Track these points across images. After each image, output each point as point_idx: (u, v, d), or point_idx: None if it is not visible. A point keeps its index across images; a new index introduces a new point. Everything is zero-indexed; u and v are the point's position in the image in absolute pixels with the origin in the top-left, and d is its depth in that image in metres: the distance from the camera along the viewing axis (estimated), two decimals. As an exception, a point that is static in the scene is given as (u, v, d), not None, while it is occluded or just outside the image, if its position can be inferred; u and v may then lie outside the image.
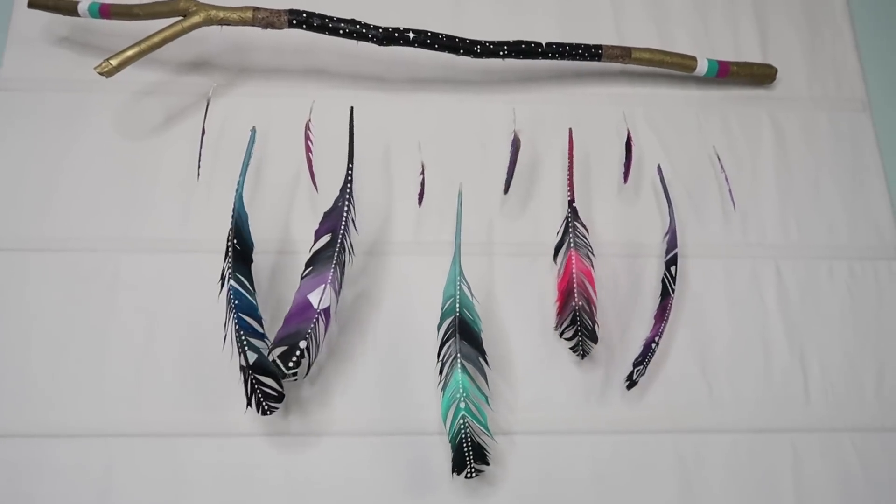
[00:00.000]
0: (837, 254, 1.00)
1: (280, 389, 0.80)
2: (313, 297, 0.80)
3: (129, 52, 0.90)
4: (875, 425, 0.91)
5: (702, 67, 1.05)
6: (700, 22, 1.12)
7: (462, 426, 0.80)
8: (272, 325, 0.87)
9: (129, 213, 0.96)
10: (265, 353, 0.80)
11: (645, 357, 0.87)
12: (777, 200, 1.02)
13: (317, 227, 0.85)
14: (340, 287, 0.85)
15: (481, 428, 0.81)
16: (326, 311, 0.81)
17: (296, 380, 0.81)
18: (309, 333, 0.79)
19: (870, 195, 1.03)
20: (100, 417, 0.86)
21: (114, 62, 0.89)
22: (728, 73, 1.06)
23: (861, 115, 1.08)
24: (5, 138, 0.98)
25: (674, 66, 1.05)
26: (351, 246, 0.86)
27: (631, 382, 0.87)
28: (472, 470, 0.80)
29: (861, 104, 1.09)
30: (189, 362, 0.89)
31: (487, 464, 0.81)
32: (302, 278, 0.82)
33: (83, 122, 1.00)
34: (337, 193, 0.94)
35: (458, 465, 0.80)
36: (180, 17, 0.94)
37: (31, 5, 1.01)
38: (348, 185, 0.88)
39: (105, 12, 0.97)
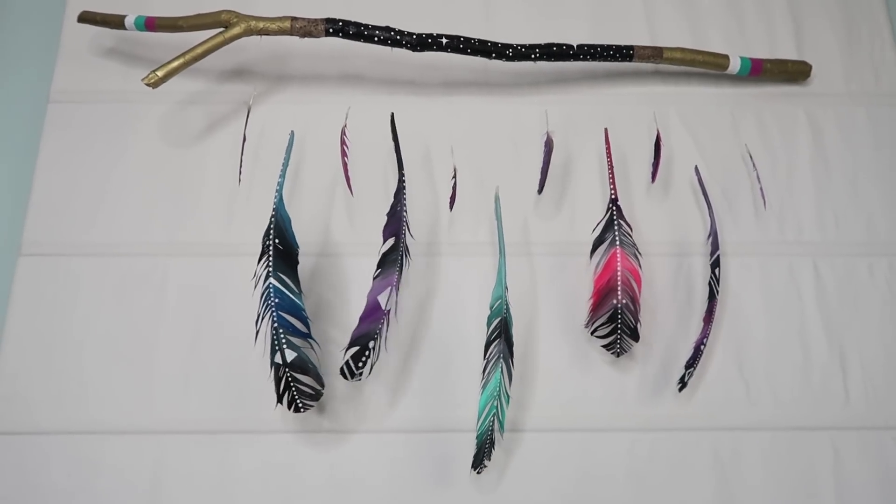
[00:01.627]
0: (876, 251, 0.99)
1: (318, 388, 0.82)
2: (382, 299, 0.82)
3: (174, 64, 0.93)
4: (917, 423, 0.90)
5: (734, 66, 1.04)
6: (733, 20, 1.12)
7: (490, 424, 0.81)
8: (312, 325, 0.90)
9: (175, 219, 0.99)
10: (306, 352, 0.83)
11: (695, 359, 0.87)
12: (814, 197, 1.01)
13: (382, 227, 0.87)
14: (399, 290, 0.88)
15: (499, 426, 0.82)
16: (388, 313, 0.84)
17: (360, 380, 0.83)
18: (377, 334, 0.81)
19: (910, 190, 1.02)
20: (150, 415, 0.89)
21: (160, 73, 0.93)
22: (762, 71, 1.05)
23: (900, 110, 1.07)
24: (58, 148, 1.03)
25: (706, 66, 1.05)
26: (408, 250, 0.89)
27: (683, 385, 0.87)
28: (482, 466, 0.81)
29: (900, 99, 1.08)
30: (235, 362, 0.92)
31: (489, 459, 0.82)
32: (374, 279, 0.84)
33: (130, 131, 1.04)
34: (373, 198, 0.97)
35: (476, 462, 0.82)
36: (222, 29, 0.97)
37: (80, 20, 1.05)
38: (403, 191, 0.90)
39: (150, 25, 1.01)
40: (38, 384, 0.91)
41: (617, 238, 0.91)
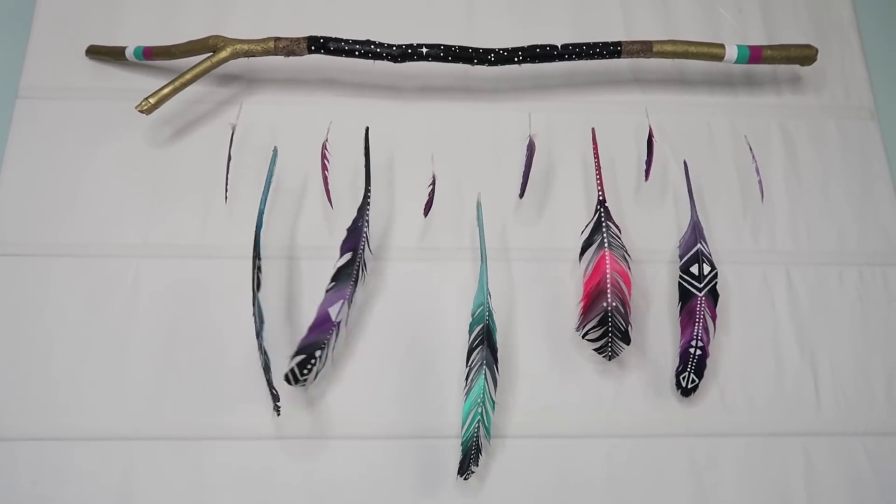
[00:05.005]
0: (847, 260, 1.01)
1: (276, 390, 0.83)
2: (332, 311, 0.83)
3: (165, 91, 0.95)
4: (886, 429, 0.92)
5: (731, 54, 1.02)
6: (710, 33, 1.13)
7: (475, 430, 0.81)
8: (283, 329, 0.91)
9: (149, 220, 0.97)
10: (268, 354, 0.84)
11: (687, 364, 0.87)
12: (787, 207, 1.03)
13: (340, 242, 0.87)
14: (352, 303, 0.88)
15: (485, 432, 0.82)
16: (339, 324, 0.84)
17: (304, 386, 0.83)
18: (324, 344, 0.81)
19: (878, 202, 1.04)
20: (120, 421, 0.87)
21: (152, 100, 0.94)
22: (761, 58, 1.03)
23: (869, 123, 1.09)
24: (27, 146, 1.00)
25: (699, 56, 1.03)
26: (365, 265, 0.89)
27: (684, 390, 0.88)
28: (469, 472, 0.82)
29: (869, 112, 1.10)
30: (209, 366, 0.90)
31: (477, 465, 0.83)
32: (326, 291, 0.84)
33: (103, 129, 1.02)
34: (351, 204, 0.96)
35: (462, 468, 0.82)
36: (210, 54, 0.98)
37: (88, 53, 1.06)
38: (367, 207, 0.90)
39: (148, 54, 1.02)
40: (4, 389, 0.88)
41: (605, 240, 0.91)
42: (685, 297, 0.91)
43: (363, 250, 0.89)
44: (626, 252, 0.92)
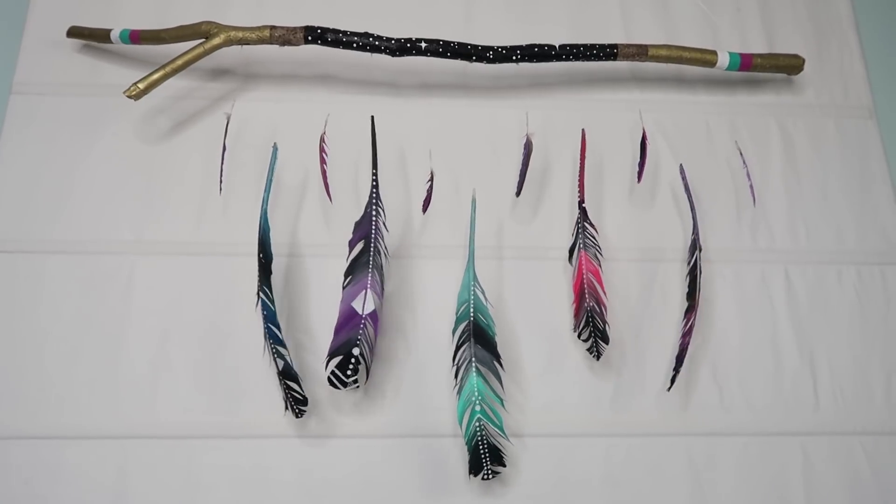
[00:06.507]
0: (846, 259, 1.01)
1: (303, 393, 0.82)
2: (357, 304, 0.81)
3: (155, 76, 0.93)
4: (884, 429, 0.92)
5: (723, 61, 1.04)
6: (709, 33, 1.13)
7: (478, 428, 0.81)
8: (289, 327, 0.90)
9: (144, 217, 0.96)
10: (289, 358, 0.82)
11: (681, 360, 0.88)
12: (786, 206, 1.03)
13: (350, 237, 0.86)
14: (382, 289, 0.86)
15: (497, 430, 0.82)
16: (372, 314, 0.81)
17: (357, 387, 0.81)
18: (359, 340, 0.79)
19: (877, 201, 1.04)
20: (114, 419, 0.87)
21: (141, 86, 0.92)
22: (751, 66, 1.05)
23: (868, 122, 1.09)
24: (22, 141, 0.99)
25: (693, 62, 1.04)
26: (385, 248, 0.87)
27: (672, 384, 0.88)
28: (489, 471, 0.81)
29: (868, 111, 1.10)
30: (203, 365, 0.89)
31: (504, 465, 0.82)
32: (343, 288, 0.83)
33: (98, 125, 1.01)
34: (351, 201, 0.96)
35: (475, 467, 0.81)
36: (202, 40, 0.96)
37: (69, 34, 1.04)
38: (374, 191, 0.89)
39: (135, 38, 1.00)
40: (-4, 386, 0.87)
41: (581, 242, 0.92)
42: (690, 297, 0.91)
43: (375, 235, 0.86)
44: (599, 251, 0.92)
